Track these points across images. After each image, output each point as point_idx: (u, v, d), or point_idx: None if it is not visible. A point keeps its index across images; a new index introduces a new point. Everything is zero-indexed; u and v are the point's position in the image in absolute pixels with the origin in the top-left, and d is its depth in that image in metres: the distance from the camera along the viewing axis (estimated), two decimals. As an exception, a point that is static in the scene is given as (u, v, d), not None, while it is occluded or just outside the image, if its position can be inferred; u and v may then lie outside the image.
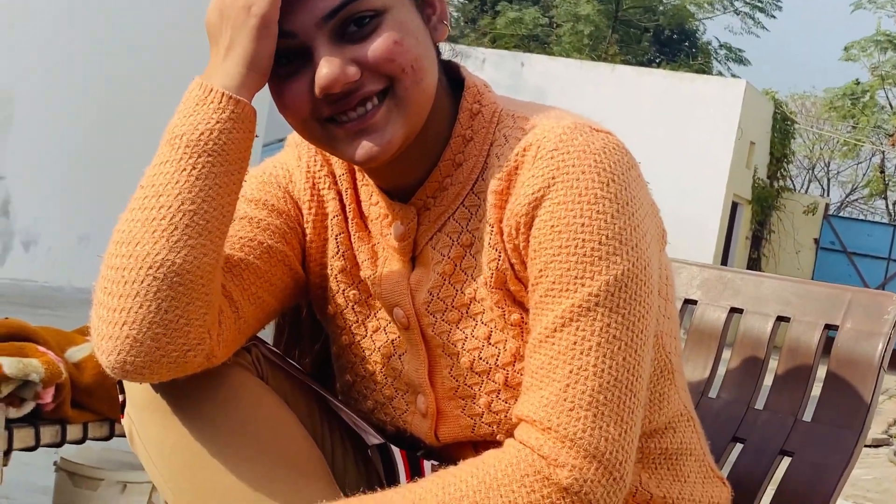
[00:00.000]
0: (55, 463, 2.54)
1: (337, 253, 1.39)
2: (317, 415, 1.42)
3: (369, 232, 1.38)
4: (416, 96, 1.23)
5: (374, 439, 1.40)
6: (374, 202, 1.37)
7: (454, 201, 1.31)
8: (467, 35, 22.73)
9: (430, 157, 1.31)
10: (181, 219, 1.18)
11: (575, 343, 1.17)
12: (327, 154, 1.40)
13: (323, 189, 1.40)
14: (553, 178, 1.20)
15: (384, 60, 1.20)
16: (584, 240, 1.18)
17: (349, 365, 1.43)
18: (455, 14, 23.30)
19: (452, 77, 1.35)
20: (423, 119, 1.26)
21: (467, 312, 1.31)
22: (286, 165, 1.41)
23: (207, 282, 1.21)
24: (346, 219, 1.39)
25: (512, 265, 1.26)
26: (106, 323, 1.19)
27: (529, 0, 23.13)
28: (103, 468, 2.47)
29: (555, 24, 22.35)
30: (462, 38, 22.22)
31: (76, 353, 2.15)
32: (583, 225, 1.19)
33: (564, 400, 1.16)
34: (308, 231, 1.40)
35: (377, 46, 1.20)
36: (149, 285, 1.18)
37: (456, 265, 1.31)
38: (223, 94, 1.20)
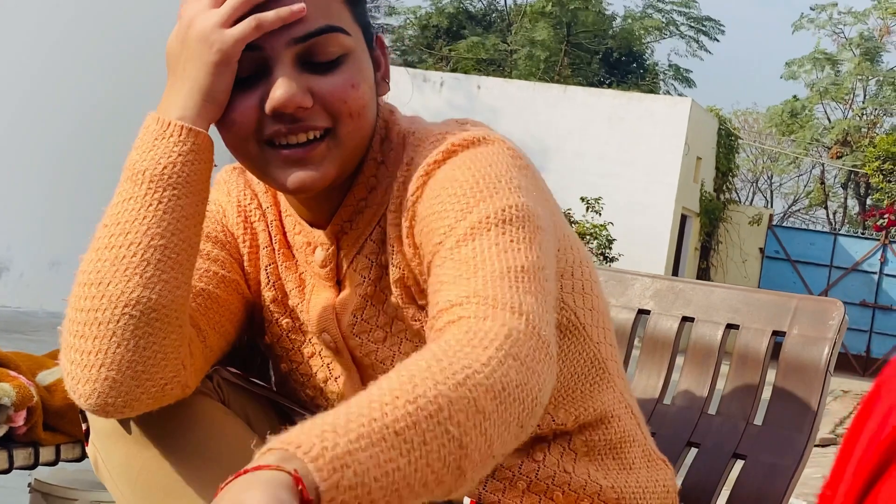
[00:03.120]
0: (29, 484, 2.52)
1: (268, 283, 1.40)
2: (278, 433, 1.44)
3: (296, 261, 1.40)
4: (355, 141, 1.25)
5: None
6: (297, 231, 1.38)
7: (370, 224, 1.32)
8: (425, 60, 22.85)
9: (345, 184, 1.32)
10: (153, 254, 1.17)
11: (476, 248, 1.16)
12: (254, 187, 1.42)
13: (254, 221, 1.41)
14: (427, 174, 1.24)
15: (337, 99, 1.22)
16: (461, 185, 1.20)
17: (292, 391, 1.45)
18: (409, 42, 23.44)
19: None
20: (355, 161, 1.28)
21: (391, 330, 1.33)
22: (218, 202, 1.42)
23: (181, 314, 1.21)
24: (273, 249, 1.40)
25: (414, 275, 1.28)
26: (80, 367, 1.18)
27: (482, 26, 23.35)
28: (77, 488, 2.46)
29: (512, 50, 22.57)
30: (420, 63, 22.33)
31: (47, 376, 2.15)
32: (456, 181, 1.21)
33: (482, 279, 1.13)
34: (245, 263, 1.41)
35: (335, 83, 1.22)
36: (125, 325, 1.16)
37: (376, 286, 1.32)
38: (182, 126, 1.20)
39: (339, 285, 1.36)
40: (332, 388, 1.41)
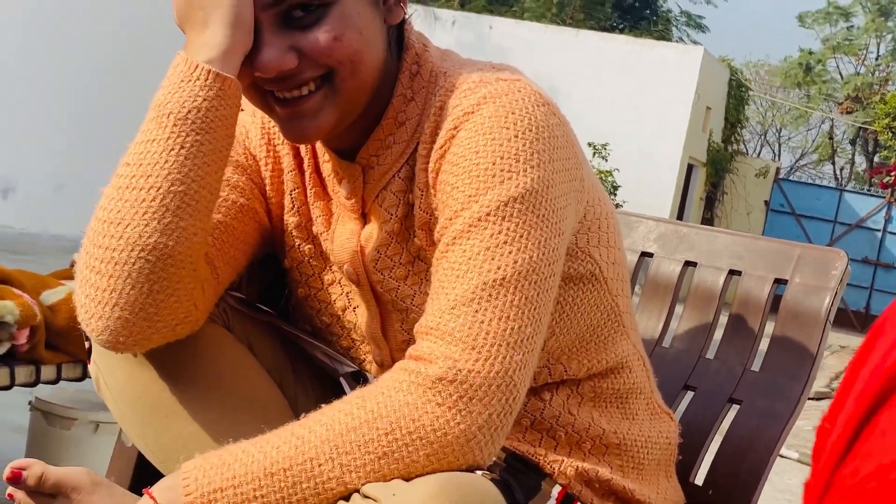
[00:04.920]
0: (30, 402, 2.56)
1: (292, 208, 1.40)
2: (281, 360, 1.45)
3: (325, 188, 1.39)
4: (352, 86, 1.23)
5: (347, 367, 1.43)
6: (326, 159, 1.37)
7: (398, 160, 1.31)
8: (437, -1, 22.59)
9: (375, 116, 1.31)
10: (171, 200, 1.17)
11: (464, 252, 1.16)
12: None
13: (278, 144, 1.40)
14: (456, 127, 1.22)
15: (322, 54, 1.20)
16: (477, 164, 1.18)
17: (307, 317, 1.46)
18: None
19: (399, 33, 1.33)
20: (358, 106, 1.26)
21: (413, 269, 1.33)
22: (241, 122, 1.40)
23: (197, 259, 1.22)
24: (301, 174, 1.39)
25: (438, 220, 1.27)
26: (95, 302, 1.19)
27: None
28: (77, 408, 2.49)
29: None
30: (432, 1, 22.07)
31: (51, 295, 2.17)
32: (477, 153, 1.19)
33: (448, 301, 1.14)
34: (267, 187, 1.40)
35: (316, 39, 1.19)
36: (140, 268, 1.17)
37: (402, 223, 1.32)
38: (209, 70, 1.18)
39: (364, 218, 1.36)
40: (349, 317, 1.41)
